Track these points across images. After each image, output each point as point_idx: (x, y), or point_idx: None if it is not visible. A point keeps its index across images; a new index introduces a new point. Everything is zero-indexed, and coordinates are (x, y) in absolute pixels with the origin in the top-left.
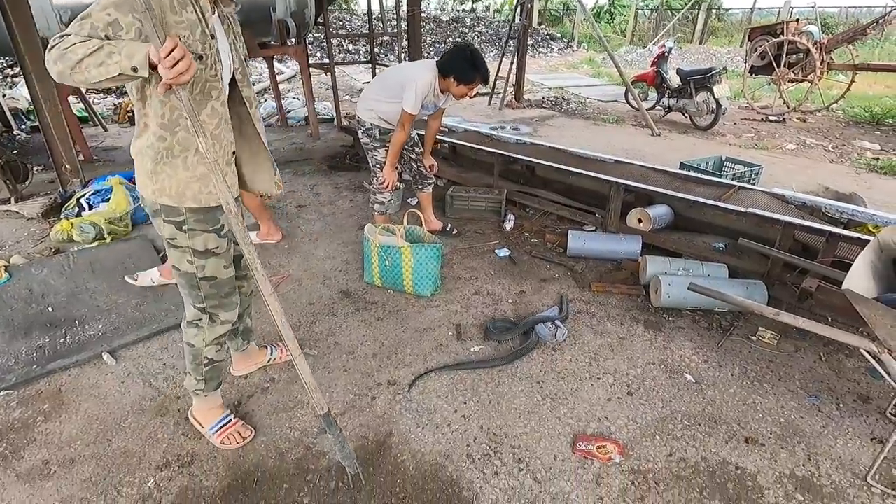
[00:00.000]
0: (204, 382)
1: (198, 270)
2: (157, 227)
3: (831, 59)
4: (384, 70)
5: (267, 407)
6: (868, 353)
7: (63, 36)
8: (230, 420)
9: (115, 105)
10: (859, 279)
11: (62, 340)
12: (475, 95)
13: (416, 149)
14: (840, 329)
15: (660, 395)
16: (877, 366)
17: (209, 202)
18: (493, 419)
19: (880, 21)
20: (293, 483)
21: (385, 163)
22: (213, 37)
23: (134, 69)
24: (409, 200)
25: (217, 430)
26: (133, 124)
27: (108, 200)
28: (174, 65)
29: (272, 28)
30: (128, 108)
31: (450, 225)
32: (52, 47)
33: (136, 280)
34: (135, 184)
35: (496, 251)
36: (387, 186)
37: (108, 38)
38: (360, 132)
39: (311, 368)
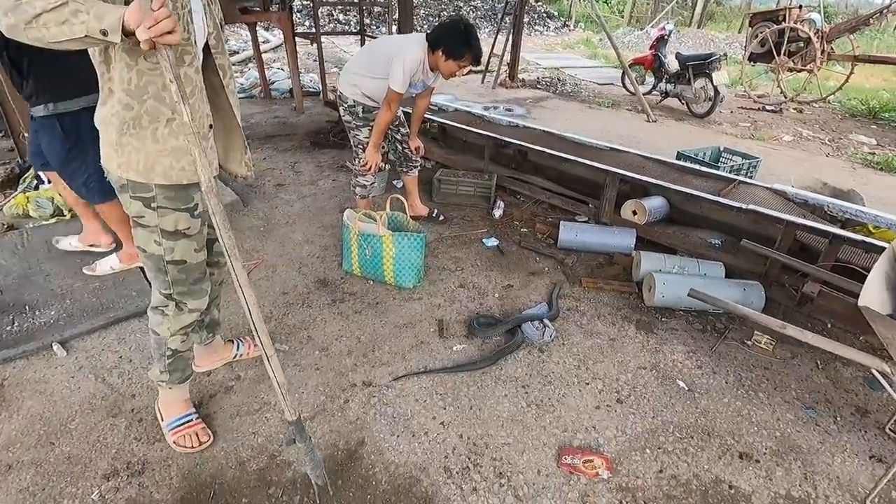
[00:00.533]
0: (168, 374)
1: (165, 253)
2: (124, 203)
3: (832, 48)
4: (370, 42)
5: (230, 409)
6: (879, 372)
7: None
8: (191, 420)
9: None
10: (874, 293)
11: (9, 328)
12: (468, 73)
13: (402, 129)
14: (846, 344)
15: (651, 404)
16: (886, 385)
17: (181, 179)
18: (474, 427)
19: (884, 11)
20: (253, 497)
21: (368, 143)
22: None
23: (103, 32)
24: (394, 183)
25: (174, 428)
26: None
27: None
28: (156, 23)
29: None
30: None
31: (436, 211)
32: None
33: (94, 270)
34: None
35: (484, 240)
36: (369, 169)
37: None
38: (341, 109)
39: (281, 367)
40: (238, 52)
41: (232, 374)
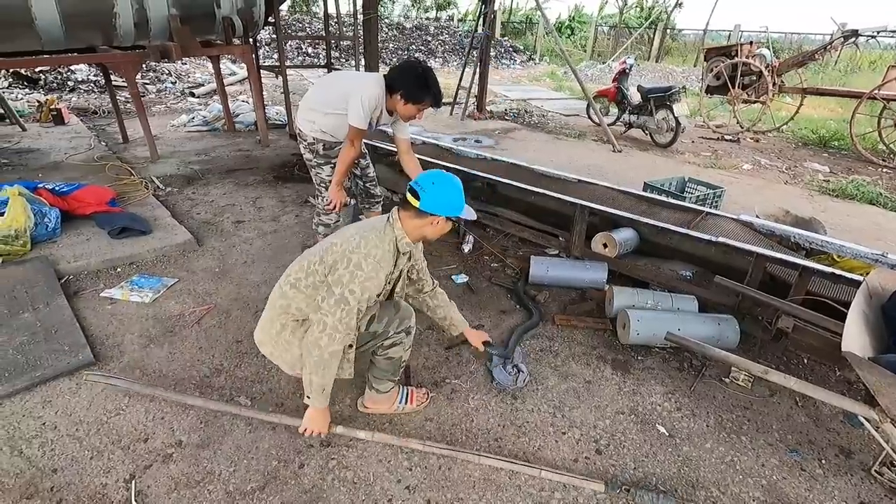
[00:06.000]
0: (393, 383)
1: (369, 310)
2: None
3: (782, 81)
4: (326, 76)
5: (167, 482)
6: (866, 419)
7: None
8: (409, 388)
9: (38, 102)
10: (855, 336)
11: None
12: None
13: (362, 160)
14: (824, 379)
15: (631, 453)
16: (872, 430)
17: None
18: (444, 491)
19: (827, 47)
20: None
21: (331, 182)
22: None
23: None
24: (361, 217)
25: (405, 402)
26: (56, 123)
27: (2, 214)
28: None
29: (216, 25)
30: (52, 107)
31: None
32: (333, 337)
33: None
34: (38, 194)
35: (453, 277)
36: (334, 208)
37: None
38: (301, 146)
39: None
40: (203, 84)
41: (172, 440)
